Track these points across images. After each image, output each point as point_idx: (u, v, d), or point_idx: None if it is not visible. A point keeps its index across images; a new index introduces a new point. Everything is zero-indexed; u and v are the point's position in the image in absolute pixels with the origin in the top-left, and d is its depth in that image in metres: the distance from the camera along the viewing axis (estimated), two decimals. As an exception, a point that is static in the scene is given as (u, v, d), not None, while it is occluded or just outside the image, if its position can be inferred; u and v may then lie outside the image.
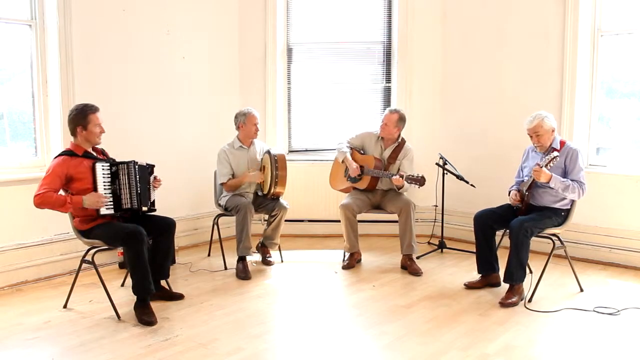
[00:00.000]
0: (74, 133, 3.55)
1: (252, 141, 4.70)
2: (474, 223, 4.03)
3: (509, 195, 4.01)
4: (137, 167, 3.60)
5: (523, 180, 3.95)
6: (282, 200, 4.60)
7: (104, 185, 3.48)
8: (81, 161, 3.51)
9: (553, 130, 3.86)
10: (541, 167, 3.65)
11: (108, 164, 3.54)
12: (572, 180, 3.75)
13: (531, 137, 3.89)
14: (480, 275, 4.07)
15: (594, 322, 3.41)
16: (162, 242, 3.72)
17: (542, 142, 3.86)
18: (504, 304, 3.66)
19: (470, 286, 4.05)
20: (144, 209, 3.64)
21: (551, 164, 3.67)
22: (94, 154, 3.61)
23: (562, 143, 3.87)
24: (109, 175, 3.52)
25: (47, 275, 4.24)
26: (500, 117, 5.27)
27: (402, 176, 4.30)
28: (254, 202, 4.59)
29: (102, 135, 3.60)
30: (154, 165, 3.84)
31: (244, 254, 4.38)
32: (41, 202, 3.32)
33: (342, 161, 4.70)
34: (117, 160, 3.62)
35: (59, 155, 3.53)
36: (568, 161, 3.81)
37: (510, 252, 3.72)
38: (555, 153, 3.71)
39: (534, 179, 3.74)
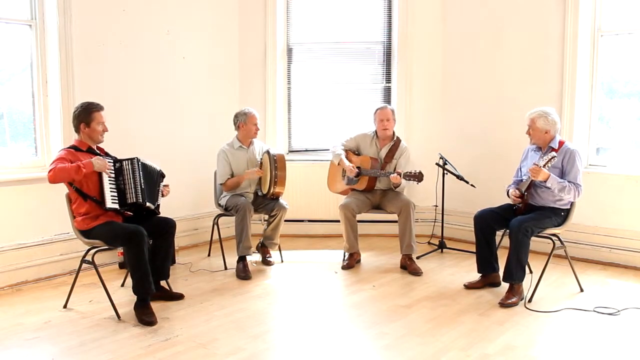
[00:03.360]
0: (77, 130, 3.58)
1: (252, 141, 4.70)
2: (474, 223, 4.03)
3: (507, 194, 4.01)
4: (140, 163, 3.62)
5: (522, 180, 3.96)
6: (281, 200, 4.60)
7: (109, 181, 3.50)
8: (85, 155, 3.53)
9: (547, 132, 3.85)
10: (539, 167, 3.66)
11: (112, 160, 3.56)
12: (568, 181, 3.76)
13: (528, 126, 3.94)
14: (480, 275, 4.08)
15: (594, 322, 3.41)
16: (162, 243, 3.73)
17: (532, 137, 3.91)
18: (504, 304, 3.66)
19: (470, 286, 4.05)
20: (148, 205, 3.64)
21: (549, 164, 3.68)
22: (97, 151, 3.64)
23: (561, 143, 3.87)
24: (113, 171, 3.53)
25: (47, 275, 4.24)
26: (500, 117, 5.26)
27: (399, 174, 4.31)
28: (254, 202, 4.59)
29: (105, 134, 3.63)
30: (164, 175, 3.88)
31: (244, 253, 4.38)
32: (56, 174, 3.31)
33: (338, 163, 4.70)
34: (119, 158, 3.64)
35: (64, 149, 3.56)
36: (565, 162, 3.80)
37: (509, 251, 3.72)
38: (553, 153, 3.71)
39: (531, 178, 3.75)
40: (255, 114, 4.63)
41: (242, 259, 4.40)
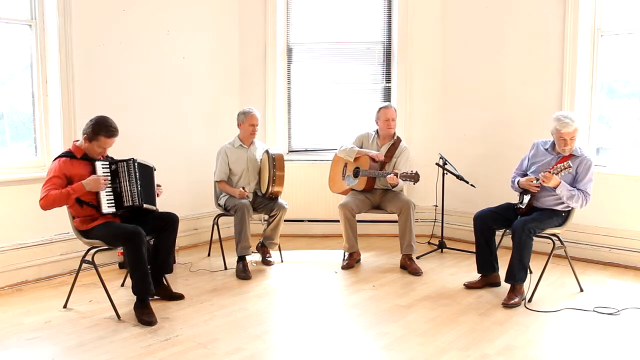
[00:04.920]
0: (82, 135, 3.55)
1: (253, 141, 4.71)
2: (473, 223, 4.03)
3: (516, 184, 3.93)
4: (136, 164, 3.61)
5: (526, 174, 3.93)
6: (281, 200, 4.60)
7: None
8: (80, 162, 3.52)
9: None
10: (552, 175, 3.63)
11: (107, 163, 3.55)
12: (578, 189, 3.74)
13: (564, 140, 3.74)
14: (480, 275, 4.07)
15: (594, 322, 3.41)
16: (165, 238, 3.73)
17: (573, 147, 3.79)
18: (507, 304, 3.66)
19: (470, 286, 4.05)
20: (146, 206, 3.64)
21: (562, 173, 3.66)
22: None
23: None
24: (109, 174, 3.52)
25: (47, 275, 4.24)
26: (500, 117, 5.26)
27: (396, 174, 4.31)
28: (254, 202, 4.60)
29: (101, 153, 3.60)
30: (155, 169, 3.85)
31: (243, 253, 4.39)
32: (47, 203, 3.35)
33: (355, 158, 4.64)
34: (116, 159, 3.63)
35: (58, 157, 3.54)
36: (580, 169, 3.78)
37: (512, 252, 3.72)
38: (569, 162, 3.66)
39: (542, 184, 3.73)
40: (256, 114, 4.63)
41: (241, 259, 4.40)
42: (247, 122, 4.61)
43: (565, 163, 3.66)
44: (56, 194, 3.34)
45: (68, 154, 3.53)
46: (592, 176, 3.79)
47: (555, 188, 3.70)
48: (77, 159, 3.52)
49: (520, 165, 4.11)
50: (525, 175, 3.95)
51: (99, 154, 3.55)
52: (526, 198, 3.88)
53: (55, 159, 3.53)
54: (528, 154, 4.09)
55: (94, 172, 3.48)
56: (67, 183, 3.43)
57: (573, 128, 3.73)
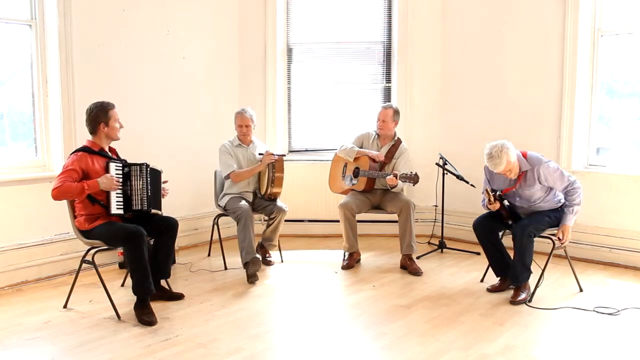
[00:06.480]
0: (94, 130, 3.56)
1: (252, 140, 4.70)
2: (474, 231, 3.96)
3: (486, 206, 3.87)
4: (148, 169, 3.61)
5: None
6: (281, 203, 4.59)
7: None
8: (97, 159, 3.53)
9: (517, 156, 3.69)
10: (564, 229, 3.70)
11: (121, 165, 3.55)
12: (565, 192, 3.72)
13: (505, 174, 3.70)
14: (499, 278, 3.99)
15: (594, 322, 3.42)
16: (163, 242, 3.72)
17: (516, 171, 3.70)
18: (515, 301, 3.67)
19: (493, 290, 3.96)
20: (154, 211, 3.66)
21: (492, 199, 3.67)
22: (109, 153, 3.64)
23: (524, 154, 3.73)
24: (121, 176, 3.53)
25: (47, 275, 4.24)
26: (500, 117, 5.26)
27: (395, 175, 4.31)
28: (253, 203, 4.58)
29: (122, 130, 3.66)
30: (161, 172, 3.86)
31: (248, 259, 4.21)
32: (60, 193, 3.35)
33: (355, 158, 4.64)
34: (129, 161, 3.63)
35: (76, 151, 3.55)
36: (543, 179, 3.68)
37: (514, 255, 3.72)
38: (486, 190, 3.72)
39: (499, 194, 3.74)
40: (244, 115, 4.58)
41: (248, 263, 4.22)
42: (236, 123, 4.63)
43: (487, 195, 3.70)
44: (70, 186, 3.34)
45: (85, 149, 3.54)
46: (560, 171, 3.71)
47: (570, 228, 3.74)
48: (95, 154, 3.54)
49: (483, 189, 3.95)
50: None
51: (119, 129, 3.62)
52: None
53: (72, 153, 3.55)
54: (486, 176, 3.97)
55: (107, 171, 3.49)
56: (82, 178, 3.44)
57: (503, 166, 3.60)
